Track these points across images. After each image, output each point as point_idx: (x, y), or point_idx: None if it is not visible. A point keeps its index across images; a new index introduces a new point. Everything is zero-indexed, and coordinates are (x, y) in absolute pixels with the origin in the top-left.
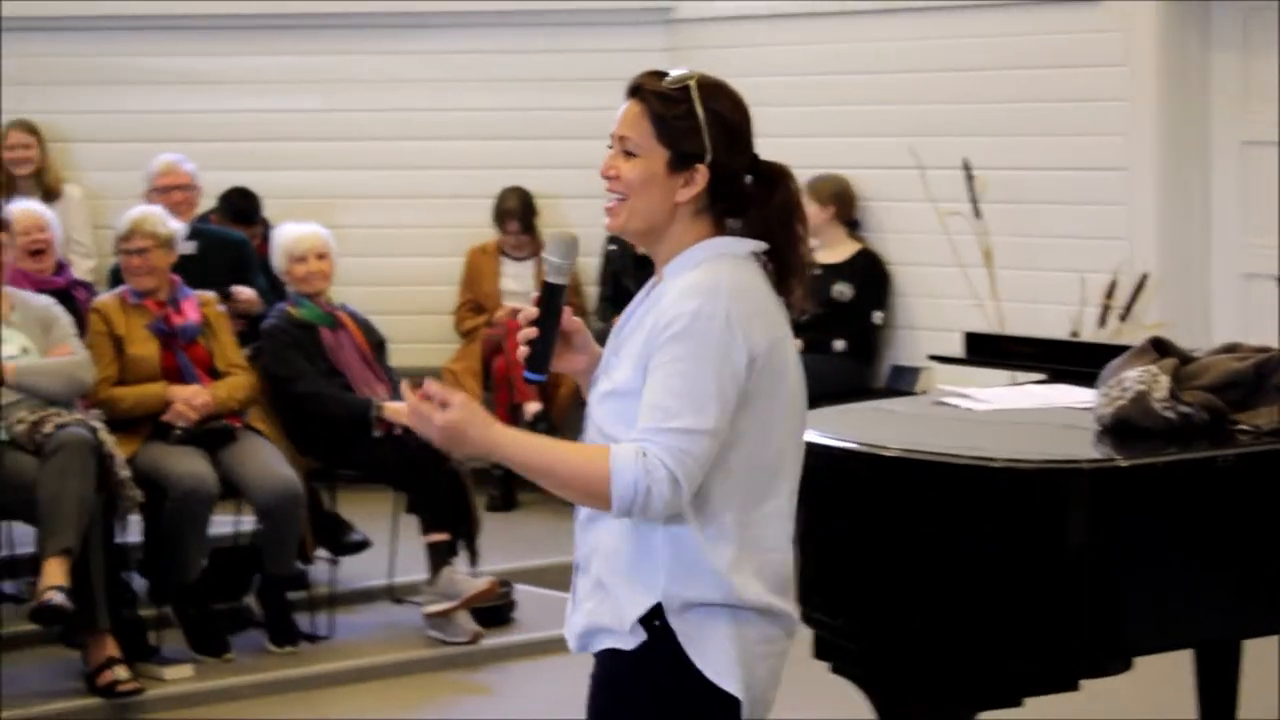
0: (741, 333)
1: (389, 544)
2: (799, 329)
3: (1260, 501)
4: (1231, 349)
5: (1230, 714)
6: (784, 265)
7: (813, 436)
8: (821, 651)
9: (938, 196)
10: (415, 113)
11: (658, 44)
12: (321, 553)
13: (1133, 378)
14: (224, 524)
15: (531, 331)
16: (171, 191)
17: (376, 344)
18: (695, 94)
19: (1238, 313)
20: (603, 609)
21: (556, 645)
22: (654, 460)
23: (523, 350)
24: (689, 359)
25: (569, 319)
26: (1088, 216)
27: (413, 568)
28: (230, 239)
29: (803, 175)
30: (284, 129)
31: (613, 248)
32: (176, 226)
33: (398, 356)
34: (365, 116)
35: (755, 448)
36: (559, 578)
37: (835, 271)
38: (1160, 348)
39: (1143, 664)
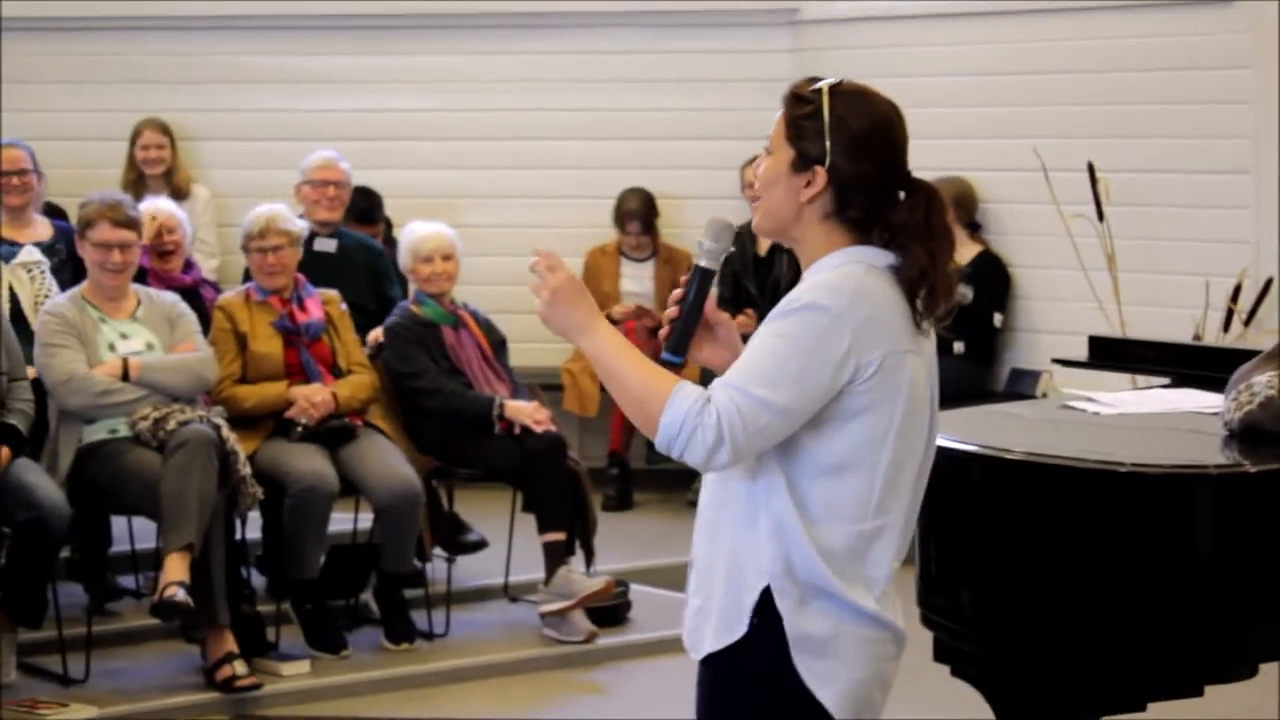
0: (851, 336)
1: (506, 543)
2: None
3: None
4: None
5: None
6: (912, 284)
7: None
8: (941, 655)
9: (1061, 199)
10: (537, 113)
11: (783, 45)
12: (438, 552)
13: (1261, 382)
14: (343, 521)
15: (673, 311)
16: (327, 186)
17: (497, 343)
18: (826, 98)
19: None
20: (710, 604)
21: (671, 645)
22: (711, 409)
23: (663, 330)
24: (787, 338)
25: (714, 309)
26: (1212, 219)
27: (529, 567)
28: (368, 245)
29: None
30: (407, 128)
31: (733, 248)
32: (302, 225)
33: (518, 356)
34: (487, 116)
35: (866, 457)
36: (674, 578)
37: (958, 273)
38: None
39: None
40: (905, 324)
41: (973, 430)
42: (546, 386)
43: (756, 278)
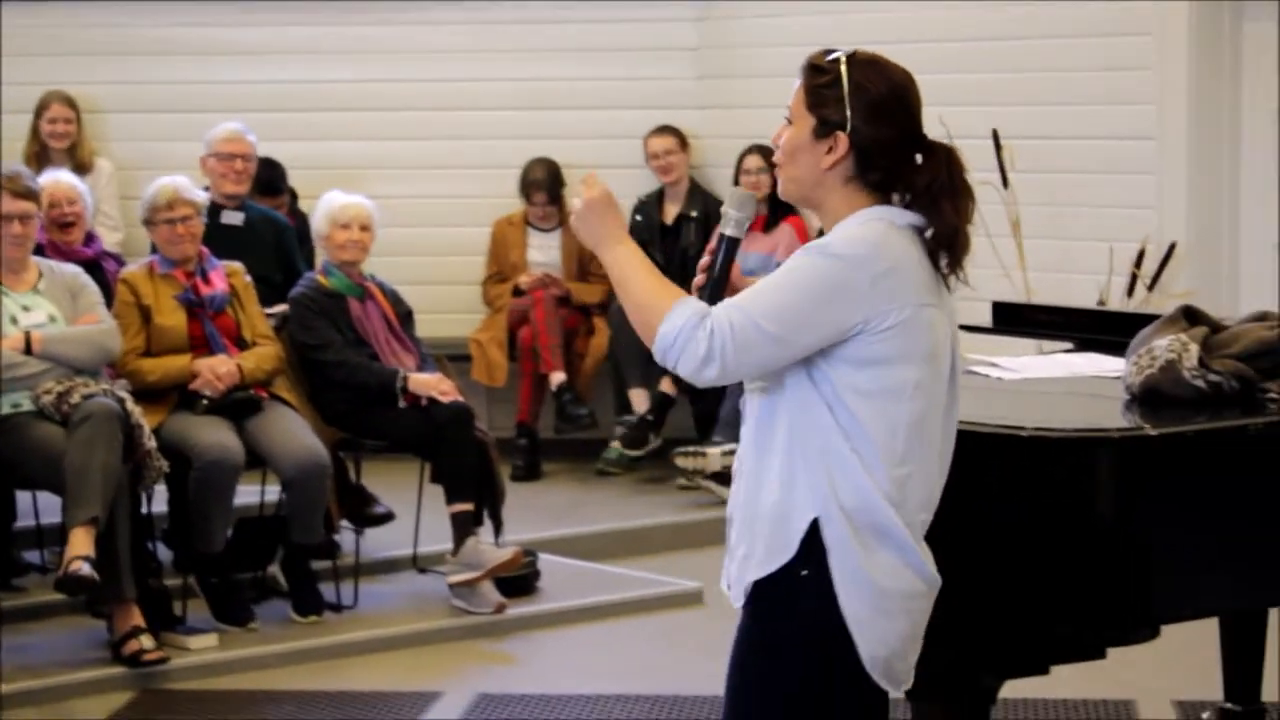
0: (868, 284)
1: (414, 514)
2: None
3: None
4: (1262, 317)
5: (1256, 683)
6: (942, 241)
7: None
8: None
9: (966, 166)
10: (442, 83)
11: (688, 14)
12: (346, 524)
13: (1162, 346)
14: (249, 494)
15: (700, 279)
16: (234, 160)
17: (404, 314)
18: (843, 66)
19: (1267, 281)
20: (754, 548)
21: (581, 615)
22: (707, 323)
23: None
24: (798, 272)
25: (738, 275)
26: (1116, 186)
27: (438, 538)
28: (274, 219)
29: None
30: (311, 100)
31: (638, 218)
32: (203, 196)
33: (424, 327)
34: (392, 87)
35: (889, 407)
36: (583, 547)
37: None
38: (1190, 316)
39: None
40: (927, 278)
41: None
42: (454, 357)
43: (663, 247)
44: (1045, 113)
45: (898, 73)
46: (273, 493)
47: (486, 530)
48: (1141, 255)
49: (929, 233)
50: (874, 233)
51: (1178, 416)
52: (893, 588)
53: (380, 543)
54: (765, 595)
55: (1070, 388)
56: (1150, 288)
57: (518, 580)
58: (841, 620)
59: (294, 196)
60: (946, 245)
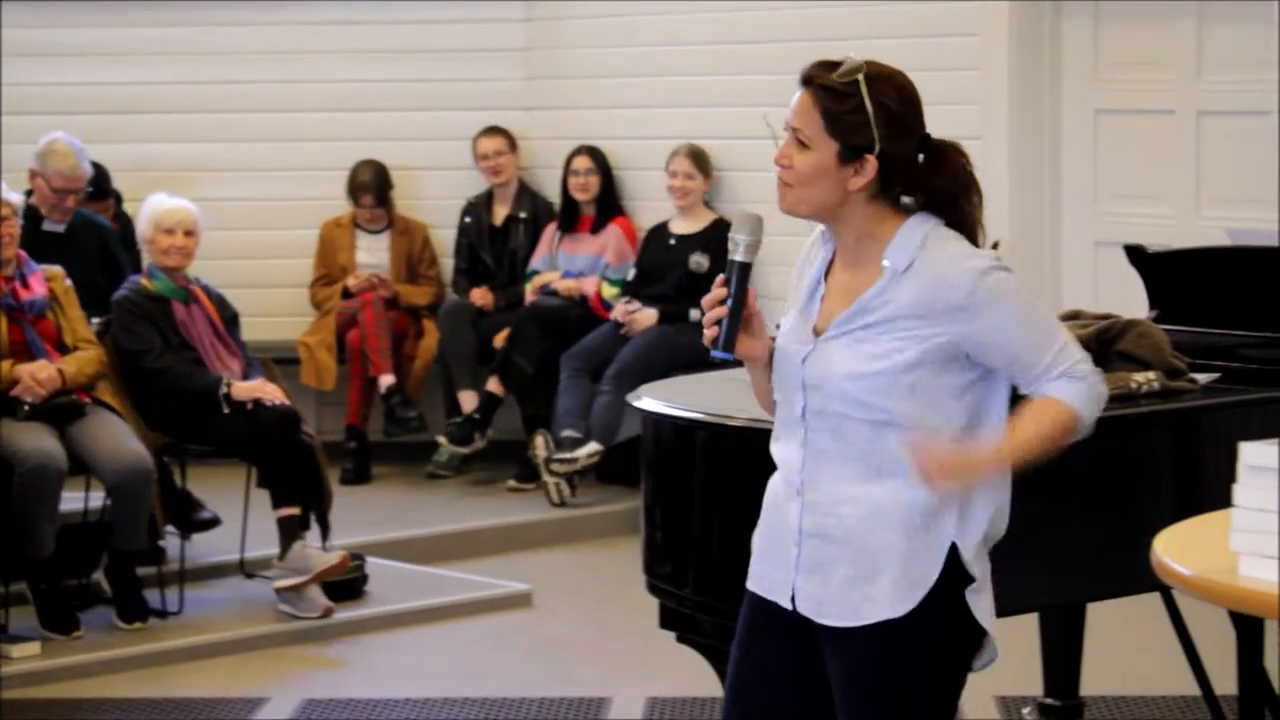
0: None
1: (240, 519)
2: (654, 299)
3: (1098, 467)
4: (1074, 316)
5: (1075, 678)
6: (978, 233)
7: (660, 407)
8: (667, 621)
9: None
10: (270, 85)
11: (515, 15)
12: (171, 529)
13: None
14: (73, 500)
15: (720, 311)
16: (67, 196)
17: (229, 318)
18: (864, 88)
19: (1089, 280)
20: (865, 570)
21: (409, 618)
22: (1082, 374)
23: (710, 332)
24: (1014, 302)
25: (753, 301)
26: None
27: (265, 542)
28: (98, 224)
29: (661, 145)
30: (137, 101)
31: (468, 220)
32: (16, 198)
33: (252, 330)
34: (219, 89)
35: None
36: (412, 550)
37: (692, 242)
38: None
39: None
40: None
41: (701, 397)
42: (282, 360)
43: (493, 249)
44: None
45: (904, 79)
46: (97, 499)
47: (314, 534)
48: None
49: (950, 226)
50: (963, 243)
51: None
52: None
53: (206, 548)
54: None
55: None
56: None
57: (346, 584)
58: (970, 614)
59: (119, 200)
60: (971, 235)
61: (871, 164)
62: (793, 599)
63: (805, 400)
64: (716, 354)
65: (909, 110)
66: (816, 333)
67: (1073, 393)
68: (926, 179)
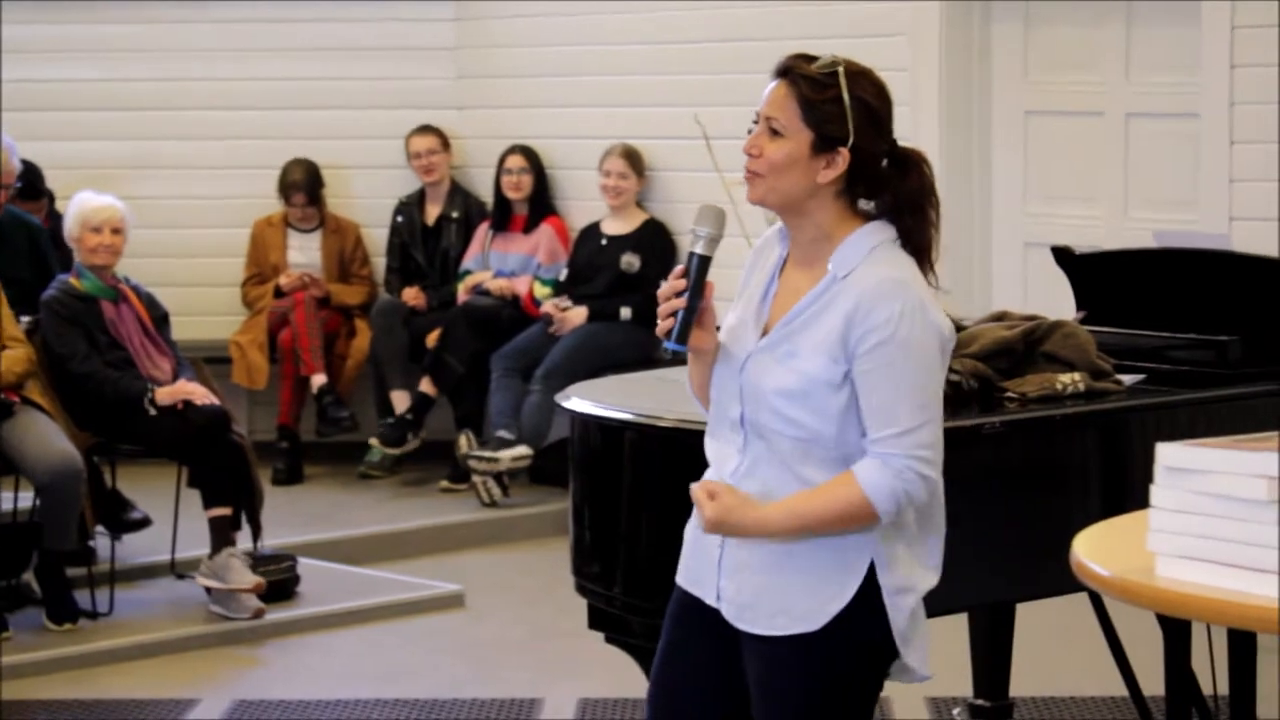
0: (937, 316)
1: (171, 519)
2: (586, 298)
3: (1025, 468)
4: (1000, 317)
5: (1004, 679)
6: (923, 248)
7: (588, 407)
8: (596, 622)
9: (723, 166)
10: (200, 82)
11: (445, 14)
12: (101, 530)
13: None
14: (2, 500)
15: (678, 303)
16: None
17: (159, 317)
18: (843, 80)
19: (1018, 281)
20: (783, 579)
21: (340, 619)
22: (899, 466)
23: (664, 324)
24: (906, 360)
25: (709, 296)
26: None
27: (196, 543)
28: (28, 223)
29: (593, 145)
30: (66, 98)
31: (400, 219)
32: None
33: (183, 329)
34: (148, 86)
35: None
36: (343, 551)
37: (623, 242)
38: None
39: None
40: None
41: (631, 398)
42: (214, 360)
43: (425, 248)
44: None
45: (878, 77)
46: (26, 499)
47: (245, 535)
48: None
49: (905, 239)
50: (902, 267)
51: None
52: (919, 598)
53: (137, 548)
54: (827, 629)
55: None
56: None
57: (277, 585)
58: (893, 642)
59: (53, 200)
60: (925, 251)
61: (844, 157)
62: (718, 598)
63: (743, 408)
64: (669, 345)
65: (884, 108)
66: (765, 331)
67: (875, 480)
68: (891, 183)
